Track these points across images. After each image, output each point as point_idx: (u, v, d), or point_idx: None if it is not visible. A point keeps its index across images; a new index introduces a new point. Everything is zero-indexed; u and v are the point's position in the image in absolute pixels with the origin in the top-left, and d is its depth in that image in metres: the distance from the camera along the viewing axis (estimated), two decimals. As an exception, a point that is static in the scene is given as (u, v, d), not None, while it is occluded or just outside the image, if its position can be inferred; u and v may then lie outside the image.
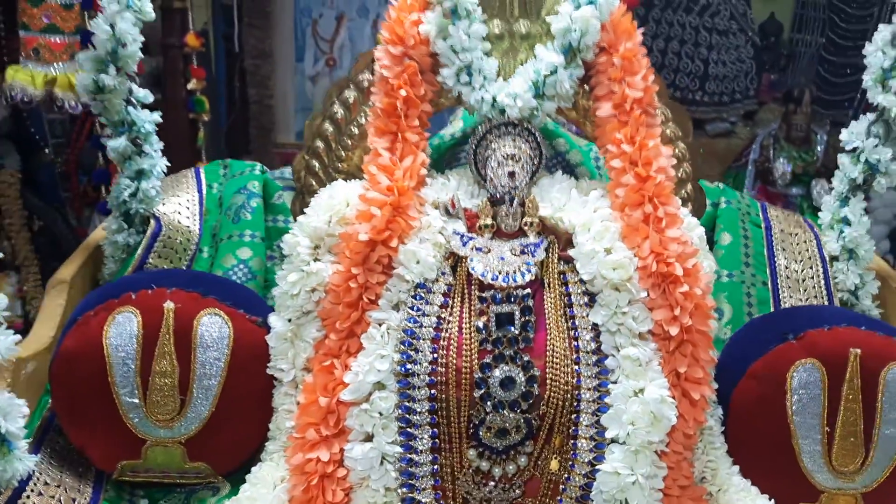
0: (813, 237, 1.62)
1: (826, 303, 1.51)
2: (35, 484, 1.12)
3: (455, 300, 1.18)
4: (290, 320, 1.22)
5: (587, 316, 1.18)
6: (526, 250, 1.20)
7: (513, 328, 1.15)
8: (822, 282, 1.56)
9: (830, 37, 3.14)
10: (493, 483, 1.16)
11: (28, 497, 1.10)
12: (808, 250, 1.61)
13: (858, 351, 1.18)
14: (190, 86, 2.58)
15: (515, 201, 1.23)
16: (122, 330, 1.19)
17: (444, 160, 1.53)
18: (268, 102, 3.13)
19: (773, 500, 1.20)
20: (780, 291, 1.54)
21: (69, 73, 1.90)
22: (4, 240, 2.63)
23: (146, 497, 1.25)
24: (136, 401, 1.19)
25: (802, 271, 1.58)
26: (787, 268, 1.58)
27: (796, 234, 1.63)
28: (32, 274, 2.64)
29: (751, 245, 1.58)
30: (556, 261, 1.21)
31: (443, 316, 1.17)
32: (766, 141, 3.06)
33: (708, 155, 3.15)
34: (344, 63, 3.08)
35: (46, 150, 2.72)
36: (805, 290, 1.55)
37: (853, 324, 1.24)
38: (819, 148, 3.07)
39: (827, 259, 1.58)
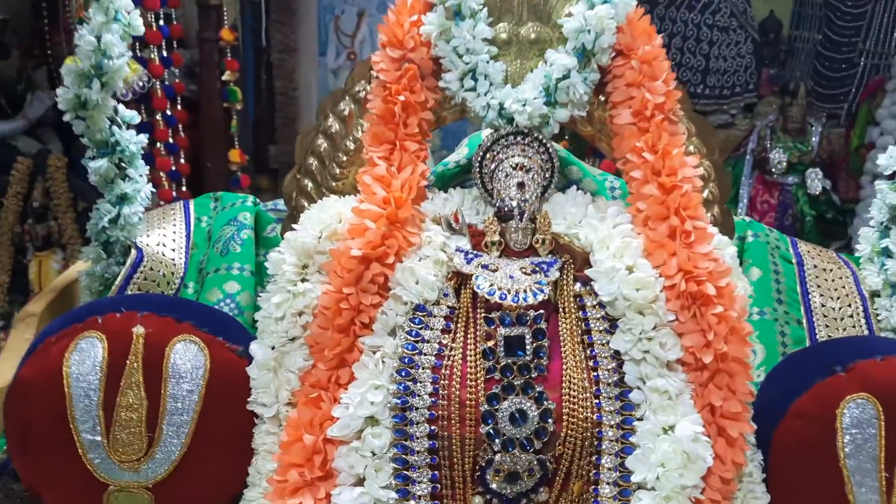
0: (850, 273, 1.50)
1: (869, 342, 1.38)
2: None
3: (458, 324, 1.05)
4: (273, 348, 1.09)
5: (608, 343, 1.04)
6: (538, 269, 1.07)
7: (524, 354, 1.01)
8: (863, 320, 1.43)
9: (827, 33, 3.31)
10: (503, 538, 1.01)
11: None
12: (844, 287, 1.48)
13: None
14: (224, 77, 2.82)
15: (525, 216, 1.11)
16: (85, 357, 1.06)
17: (448, 187, 1.43)
18: (293, 94, 3.34)
19: (826, 559, 1.05)
20: (818, 331, 1.41)
21: None
22: (52, 219, 2.93)
23: (106, 554, 1.11)
24: (98, 438, 1.05)
25: (840, 309, 1.45)
26: (822, 305, 1.45)
27: (831, 270, 1.51)
28: (77, 251, 2.75)
29: (782, 281, 1.46)
30: (571, 282, 1.08)
31: (445, 342, 1.04)
32: (764, 132, 3.23)
33: None
34: (364, 57, 3.25)
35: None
36: (844, 330, 1.42)
37: None
38: (814, 139, 3.25)
39: (867, 296, 1.46)
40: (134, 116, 1.41)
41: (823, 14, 3.34)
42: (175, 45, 2.76)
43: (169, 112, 2.77)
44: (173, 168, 2.80)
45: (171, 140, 2.77)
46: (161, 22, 2.70)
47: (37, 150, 3.04)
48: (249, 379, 1.10)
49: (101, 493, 1.07)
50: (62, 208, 2.94)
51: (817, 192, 3.19)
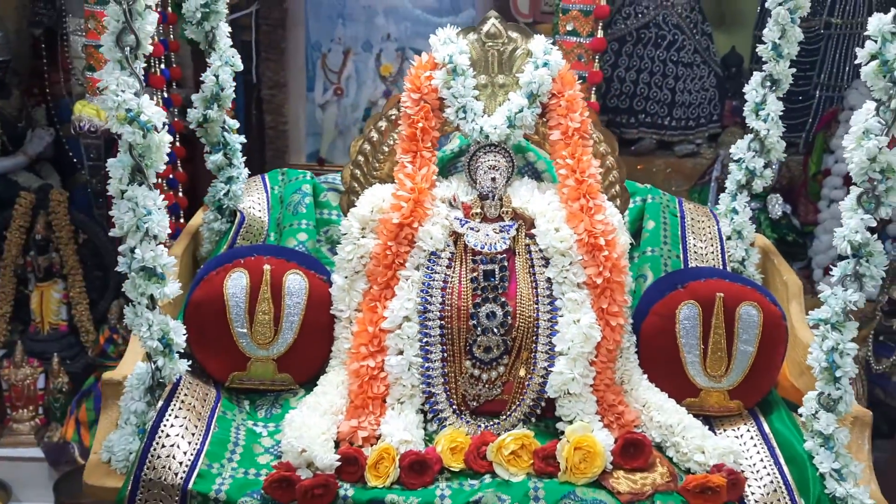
0: (715, 223, 2.17)
1: (722, 270, 2.08)
2: (184, 382, 1.70)
3: (456, 263, 1.74)
4: (346, 277, 1.79)
5: (544, 273, 1.74)
6: (503, 229, 1.77)
7: (494, 280, 1.72)
8: (720, 255, 2.09)
9: None
10: (482, 385, 1.72)
11: (181, 389, 1.67)
12: (710, 233, 2.14)
13: (722, 294, 1.73)
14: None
15: (496, 197, 1.81)
16: (236, 283, 1.75)
17: (447, 168, 2.10)
18: (282, 128, 3.45)
19: (667, 394, 1.78)
20: (690, 262, 2.06)
21: None
22: (54, 251, 3.06)
23: (247, 399, 1.83)
24: (245, 330, 1.75)
25: (706, 248, 2.10)
26: (695, 245, 2.11)
27: (702, 221, 2.18)
28: (77, 282, 3.09)
29: (668, 229, 2.11)
30: (523, 236, 1.78)
31: (448, 273, 1.73)
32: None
33: (676, 173, 3.53)
34: (350, 92, 3.44)
35: (83, 171, 3.16)
36: (706, 262, 2.07)
37: (721, 277, 1.78)
38: (774, 166, 3.20)
39: (723, 238, 2.12)
40: (235, 124, 2.09)
41: (781, 49, 3.50)
42: (174, 86, 2.75)
43: (169, 149, 2.64)
44: (174, 201, 2.75)
45: (170, 175, 2.76)
46: (162, 66, 2.71)
47: (38, 185, 3.08)
48: (332, 296, 1.81)
49: (245, 362, 1.77)
50: (64, 241, 3.02)
51: (778, 217, 3.27)
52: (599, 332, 1.70)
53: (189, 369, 1.69)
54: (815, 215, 3.36)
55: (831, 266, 1.61)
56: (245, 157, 2.09)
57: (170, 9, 2.65)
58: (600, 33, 2.63)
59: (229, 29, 1.97)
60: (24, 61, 3.28)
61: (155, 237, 1.56)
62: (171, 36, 2.74)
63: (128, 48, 1.48)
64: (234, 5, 3.07)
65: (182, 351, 1.65)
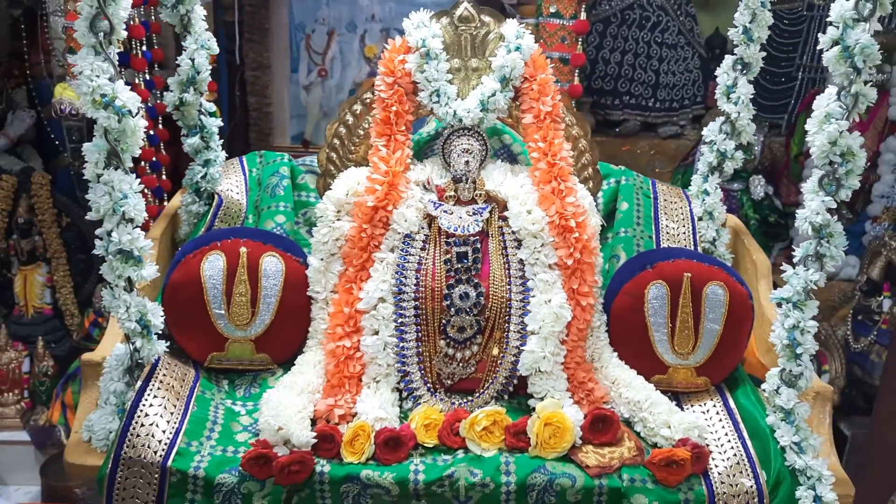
0: (687, 204, 2.21)
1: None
2: (163, 363, 1.73)
3: (430, 245, 1.78)
4: (322, 259, 1.83)
5: (516, 254, 1.79)
6: (476, 212, 1.82)
7: (467, 261, 1.76)
8: (691, 236, 2.13)
9: (767, 49, 3.42)
10: (455, 363, 1.76)
11: (160, 369, 1.71)
12: (682, 213, 2.19)
13: (689, 274, 1.77)
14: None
15: (470, 180, 1.85)
16: (213, 265, 1.77)
17: (423, 151, 2.13)
18: (266, 109, 3.47)
19: (635, 371, 1.83)
20: (662, 242, 2.10)
21: None
22: (37, 234, 3.04)
23: (226, 379, 1.86)
24: (223, 312, 1.78)
25: (678, 228, 2.15)
26: (667, 226, 2.15)
27: (675, 202, 2.22)
28: (61, 265, 3.08)
29: (642, 210, 2.14)
30: (496, 219, 1.81)
31: (422, 255, 1.77)
32: None
33: (660, 154, 3.60)
34: (334, 73, 3.45)
35: (65, 154, 3.09)
36: (678, 242, 2.11)
37: (688, 257, 1.83)
38: (757, 147, 3.46)
39: (695, 219, 2.18)
40: (212, 106, 2.10)
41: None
42: (155, 67, 2.72)
43: (152, 131, 2.69)
44: (158, 184, 2.78)
45: (154, 158, 2.74)
46: (143, 48, 2.68)
47: (20, 168, 3.06)
48: (308, 277, 1.84)
49: (224, 343, 1.80)
50: (47, 224, 2.99)
51: (760, 198, 3.30)
52: (570, 312, 1.75)
53: (168, 350, 1.72)
54: (796, 196, 3.38)
55: (794, 248, 1.65)
56: (228, 140, 2.10)
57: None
58: (583, 15, 2.65)
59: (204, 12, 1.97)
60: (3, 43, 3.26)
61: (131, 220, 1.59)
62: (153, 17, 2.73)
63: (101, 33, 1.49)
64: (217, -14, 3.17)
65: (161, 332, 1.68)
